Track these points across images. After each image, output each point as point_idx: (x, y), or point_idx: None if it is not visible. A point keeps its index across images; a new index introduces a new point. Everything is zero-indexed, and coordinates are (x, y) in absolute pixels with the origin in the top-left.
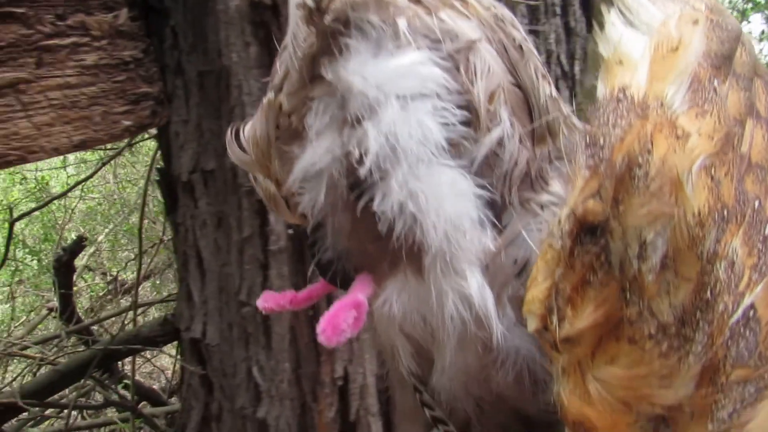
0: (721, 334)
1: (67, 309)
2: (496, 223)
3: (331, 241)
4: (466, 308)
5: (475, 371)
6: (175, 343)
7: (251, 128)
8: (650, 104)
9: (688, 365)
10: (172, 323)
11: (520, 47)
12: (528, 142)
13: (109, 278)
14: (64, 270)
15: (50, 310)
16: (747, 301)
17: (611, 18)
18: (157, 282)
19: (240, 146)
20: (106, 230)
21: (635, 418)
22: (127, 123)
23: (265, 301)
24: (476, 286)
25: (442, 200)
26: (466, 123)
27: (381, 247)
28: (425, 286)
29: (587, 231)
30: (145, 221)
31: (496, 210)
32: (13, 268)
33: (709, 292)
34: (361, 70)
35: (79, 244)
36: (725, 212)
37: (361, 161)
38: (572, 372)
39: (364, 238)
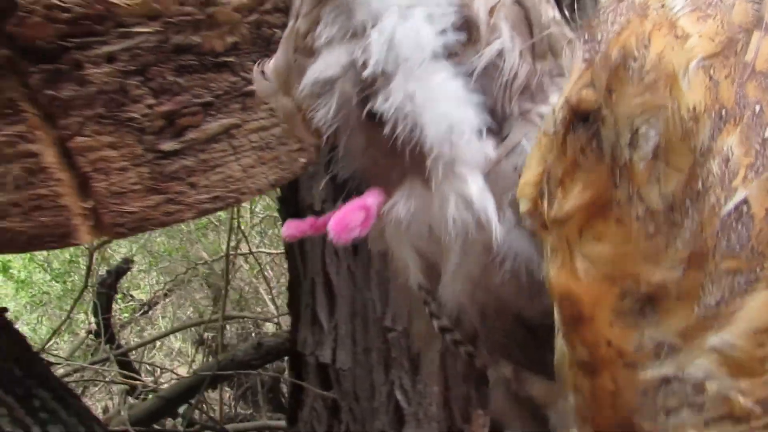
0: (711, 224)
1: (107, 331)
2: (497, 132)
3: (346, 159)
4: (467, 210)
5: (478, 276)
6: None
7: (274, 61)
8: (650, 5)
9: (676, 249)
10: (266, 347)
11: None
12: (529, 57)
13: (130, 300)
14: (106, 292)
15: (89, 332)
16: (740, 196)
17: None
18: (182, 301)
19: (265, 79)
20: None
21: (620, 293)
22: (303, 160)
23: (288, 229)
24: (476, 189)
25: (438, 102)
26: (466, 35)
27: (391, 160)
28: (430, 193)
29: (580, 118)
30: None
31: (497, 120)
32: (34, 291)
33: (700, 184)
34: None
35: (125, 267)
36: (723, 112)
37: (364, 66)
38: (560, 250)
39: (376, 153)
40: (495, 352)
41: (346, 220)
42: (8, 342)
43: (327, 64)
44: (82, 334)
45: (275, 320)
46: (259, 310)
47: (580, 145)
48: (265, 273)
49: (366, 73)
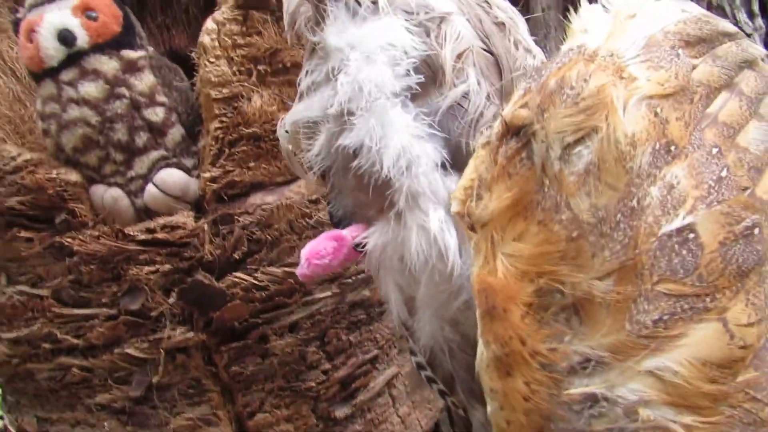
0: (647, 241)
1: None
2: (462, 168)
3: (338, 199)
4: (427, 242)
5: (442, 309)
6: None
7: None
8: (600, 53)
9: (603, 259)
10: None
11: (502, 23)
12: (497, 99)
13: None
14: None
15: None
16: (684, 220)
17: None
18: None
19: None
20: None
21: (536, 290)
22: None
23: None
24: (437, 221)
25: (396, 137)
26: (431, 78)
27: (370, 197)
28: (395, 234)
29: (513, 133)
30: None
31: (461, 156)
32: None
33: (635, 202)
34: (339, 32)
35: None
36: (672, 147)
37: (332, 105)
38: (484, 249)
39: (359, 190)
40: (465, 391)
41: (317, 248)
42: None
43: (307, 107)
44: None
45: None
46: None
47: (510, 154)
48: None
49: (331, 111)
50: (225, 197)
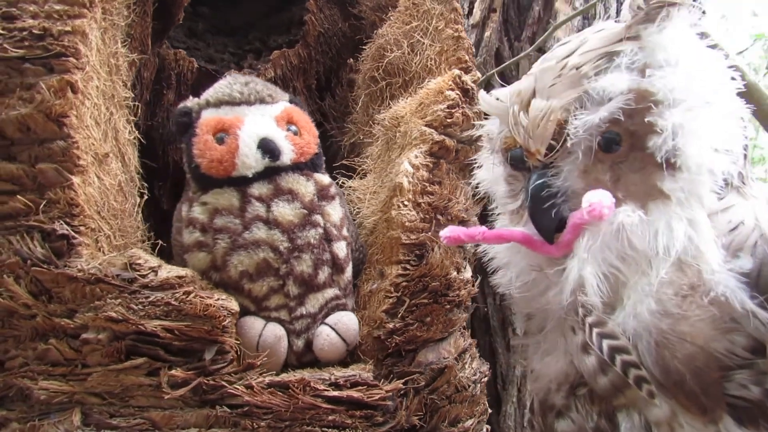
0: None
1: None
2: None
3: (564, 178)
4: (691, 232)
5: (674, 299)
6: None
7: (513, 86)
8: None
9: None
10: None
11: None
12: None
13: None
14: None
15: None
16: None
17: None
18: None
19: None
20: None
21: None
22: None
23: (451, 232)
24: (704, 219)
25: (704, 137)
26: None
27: (613, 184)
28: (649, 219)
29: None
30: None
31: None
32: None
33: None
34: (678, 35)
35: None
36: None
37: (654, 88)
38: None
39: (598, 176)
40: (665, 380)
41: (605, 197)
42: None
43: (611, 82)
44: None
45: None
46: None
47: None
48: None
49: (656, 91)
50: (403, 353)
